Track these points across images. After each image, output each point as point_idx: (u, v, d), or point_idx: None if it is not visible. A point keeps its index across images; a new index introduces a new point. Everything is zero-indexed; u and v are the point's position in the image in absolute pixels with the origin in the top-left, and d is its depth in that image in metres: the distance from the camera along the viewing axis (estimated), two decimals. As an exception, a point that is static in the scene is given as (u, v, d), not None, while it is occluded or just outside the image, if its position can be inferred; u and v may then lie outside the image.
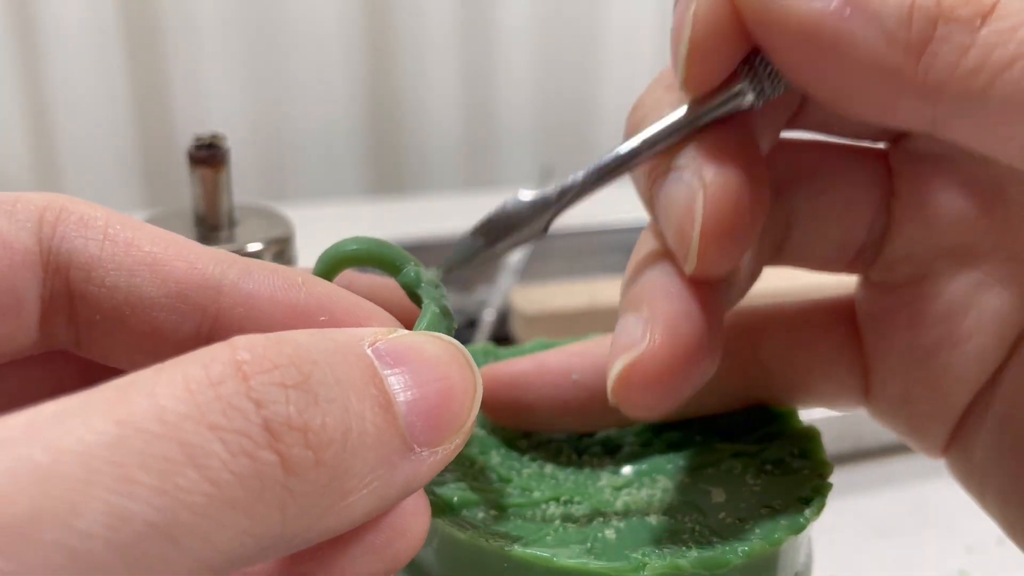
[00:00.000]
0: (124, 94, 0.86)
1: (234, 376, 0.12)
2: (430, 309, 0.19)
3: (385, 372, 0.14)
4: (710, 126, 0.18)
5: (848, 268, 0.23)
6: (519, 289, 0.54)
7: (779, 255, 0.23)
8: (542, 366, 0.23)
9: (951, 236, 0.21)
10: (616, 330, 0.19)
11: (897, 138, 0.22)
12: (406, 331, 0.16)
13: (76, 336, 0.18)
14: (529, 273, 0.61)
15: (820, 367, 0.23)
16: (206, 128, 0.34)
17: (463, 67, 0.93)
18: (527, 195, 0.19)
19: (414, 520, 0.16)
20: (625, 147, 0.19)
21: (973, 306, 0.22)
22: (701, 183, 0.18)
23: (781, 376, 0.24)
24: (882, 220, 0.22)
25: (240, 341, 0.13)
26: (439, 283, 0.20)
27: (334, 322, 0.17)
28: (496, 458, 0.23)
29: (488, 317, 0.55)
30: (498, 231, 0.19)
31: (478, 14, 0.92)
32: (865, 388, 0.23)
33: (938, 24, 0.15)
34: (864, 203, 0.22)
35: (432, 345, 0.15)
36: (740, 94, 0.18)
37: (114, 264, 0.17)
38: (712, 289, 0.19)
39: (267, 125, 0.90)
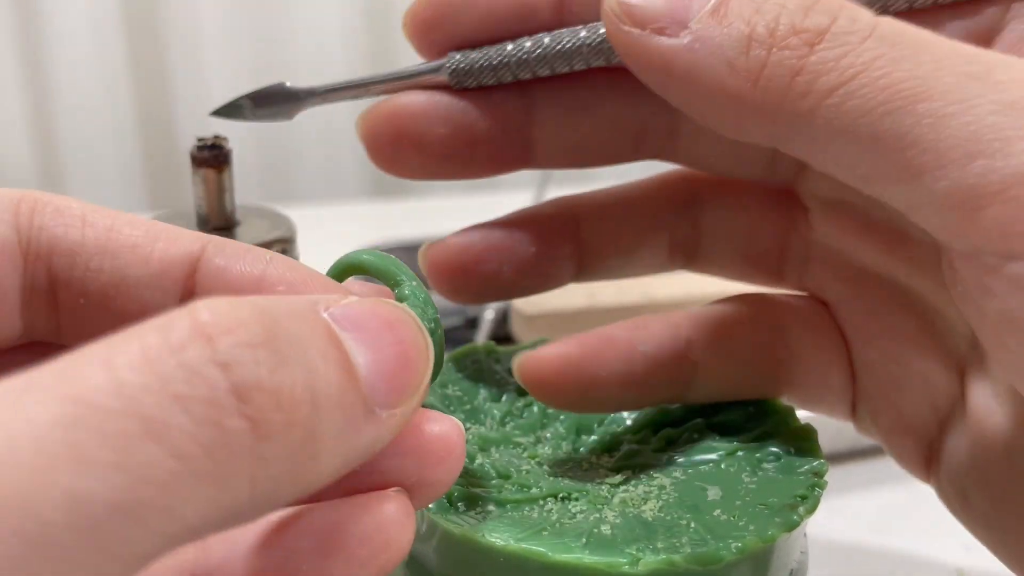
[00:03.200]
0: (127, 95, 0.86)
1: (196, 339, 0.12)
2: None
3: (343, 334, 0.14)
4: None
5: (772, 278, 0.25)
6: (519, 289, 0.55)
7: (692, 262, 0.25)
8: (610, 340, 0.24)
9: (871, 265, 0.23)
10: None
11: (796, 175, 0.24)
12: (357, 297, 0.16)
13: (57, 325, 0.18)
14: (529, 273, 0.61)
15: (836, 365, 0.24)
16: (208, 129, 0.34)
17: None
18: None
19: (399, 532, 0.16)
20: (365, 77, 0.23)
21: (915, 334, 0.23)
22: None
23: (801, 365, 0.24)
24: (799, 237, 0.24)
25: (199, 304, 0.12)
26: (432, 304, 0.20)
27: (292, 293, 0.18)
28: (495, 454, 0.23)
29: (488, 317, 0.55)
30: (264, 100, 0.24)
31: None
32: (852, 398, 0.25)
33: (771, 51, 0.17)
34: (771, 222, 0.25)
35: (384, 309, 0.15)
36: (439, 71, 0.23)
37: (97, 248, 0.17)
38: None
39: (269, 126, 0.90)
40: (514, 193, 0.87)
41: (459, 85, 0.23)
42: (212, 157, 0.33)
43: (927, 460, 0.23)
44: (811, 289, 0.25)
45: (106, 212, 0.18)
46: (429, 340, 0.16)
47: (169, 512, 0.11)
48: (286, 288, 0.18)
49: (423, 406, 0.16)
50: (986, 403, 0.22)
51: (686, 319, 0.24)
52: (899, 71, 0.16)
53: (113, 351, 0.12)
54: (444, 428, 0.16)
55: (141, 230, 0.17)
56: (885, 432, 0.24)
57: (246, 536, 0.16)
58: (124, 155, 0.87)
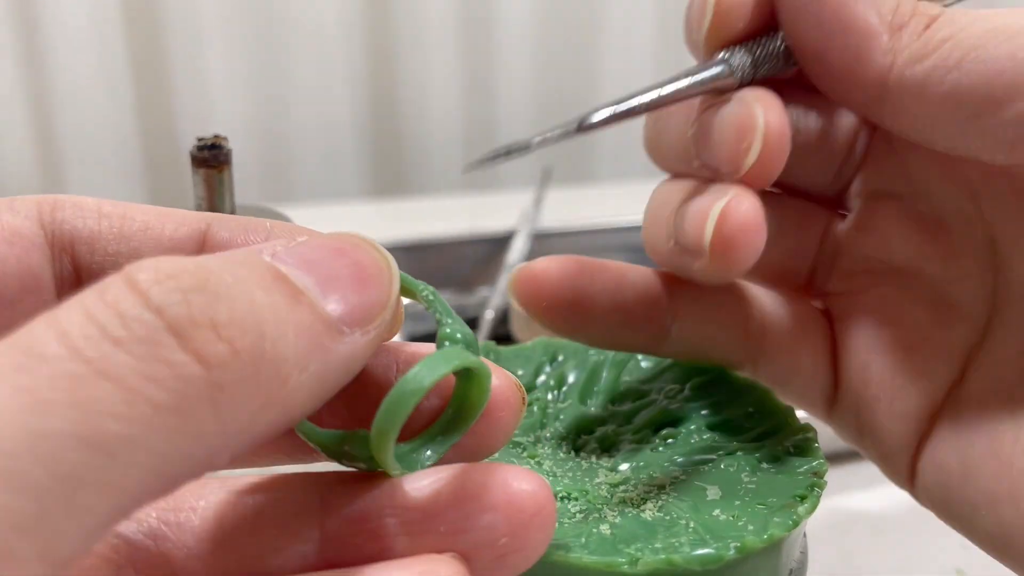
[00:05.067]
0: (127, 95, 0.86)
1: (130, 293, 0.13)
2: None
3: (287, 269, 0.14)
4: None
5: (805, 287, 0.26)
6: (519, 289, 0.55)
7: None
8: (604, 265, 0.25)
9: (899, 258, 0.24)
10: (687, 217, 0.22)
11: (852, 175, 0.25)
12: (305, 236, 0.16)
13: None
14: (529, 273, 0.61)
15: (807, 347, 0.25)
16: (208, 129, 0.34)
17: (463, 68, 0.93)
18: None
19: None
20: (648, 96, 0.22)
21: (922, 325, 0.23)
22: (759, 104, 0.21)
23: (772, 341, 0.25)
24: (831, 244, 0.25)
25: (133, 265, 0.13)
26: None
27: None
28: (494, 455, 0.23)
29: (488, 317, 0.55)
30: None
31: (478, 15, 0.92)
32: (832, 393, 0.25)
33: (912, 17, 0.21)
34: (814, 220, 0.25)
35: (331, 239, 0.16)
36: (724, 63, 0.22)
37: (113, 234, 0.18)
38: None
39: (269, 126, 0.90)
40: (514, 192, 0.87)
41: (744, 83, 0.22)
42: (212, 157, 0.33)
43: (910, 466, 0.24)
44: (829, 291, 0.26)
45: (118, 203, 0.19)
46: (387, 255, 0.16)
47: (136, 443, 0.12)
48: None
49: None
50: (982, 395, 0.22)
51: (673, 276, 0.25)
52: (977, 24, 0.20)
53: (57, 313, 0.12)
54: (533, 486, 0.16)
55: (152, 214, 0.18)
56: (868, 427, 0.24)
57: None
58: (124, 155, 0.88)
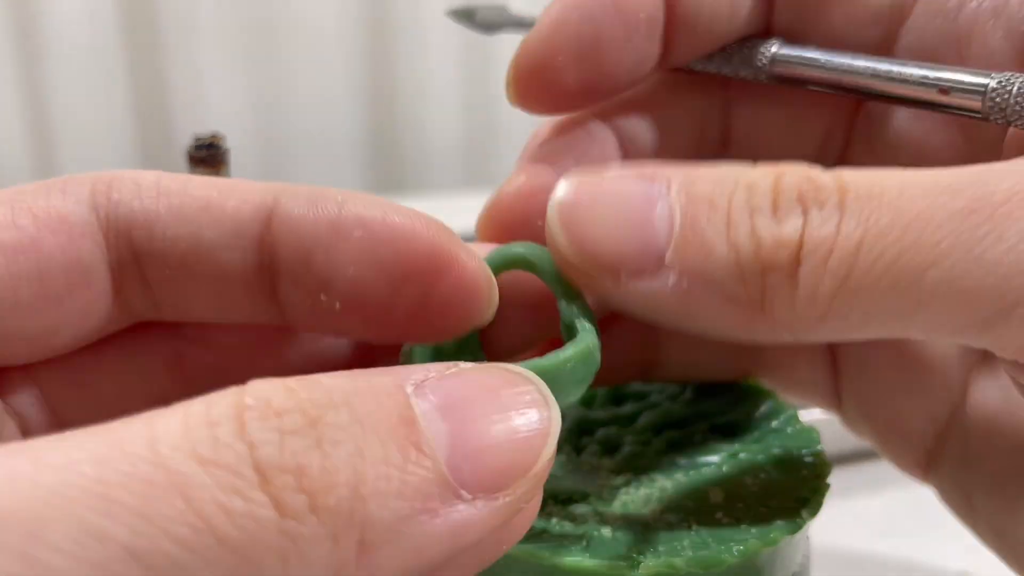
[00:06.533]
0: (124, 94, 0.86)
1: (232, 419, 0.12)
2: (585, 339, 0.17)
3: (424, 410, 0.13)
4: None
5: None
6: (519, 289, 0.55)
7: None
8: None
9: None
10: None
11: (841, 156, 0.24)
12: (468, 365, 0.14)
13: (153, 300, 0.17)
14: (529, 273, 0.61)
15: (805, 358, 0.25)
16: (206, 128, 0.34)
17: (463, 67, 0.93)
18: None
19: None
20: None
21: (928, 342, 0.23)
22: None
23: (769, 355, 0.25)
24: None
25: (251, 386, 0.12)
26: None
27: (369, 235, 0.17)
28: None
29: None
30: None
31: (479, 14, 0.92)
32: (836, 399, 0.25)
33: (766, 276, 0.16)
34: None
35: (489, 372, 0.14)
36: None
37: (171, 216, 0.16)
38: None
39: (267, 125, 0.90)
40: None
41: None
42: (209, 156, 0.33)
43: (925, 461, 0.24)
44: None
45: (180, 177, 0.17)
46: (554, 411, 0.14)
47: (186, 573, 0.11)
48: (363, 232, 0.17)
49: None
50: (995, 402, 0.22)
51: None
52: (890, 248, 0.15)
53: (156, 415, 0.12)
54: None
55: (213, 190, 0.17)
56: (880, 431, 0.24)
57: None
58: (121, 154, 0.87)
